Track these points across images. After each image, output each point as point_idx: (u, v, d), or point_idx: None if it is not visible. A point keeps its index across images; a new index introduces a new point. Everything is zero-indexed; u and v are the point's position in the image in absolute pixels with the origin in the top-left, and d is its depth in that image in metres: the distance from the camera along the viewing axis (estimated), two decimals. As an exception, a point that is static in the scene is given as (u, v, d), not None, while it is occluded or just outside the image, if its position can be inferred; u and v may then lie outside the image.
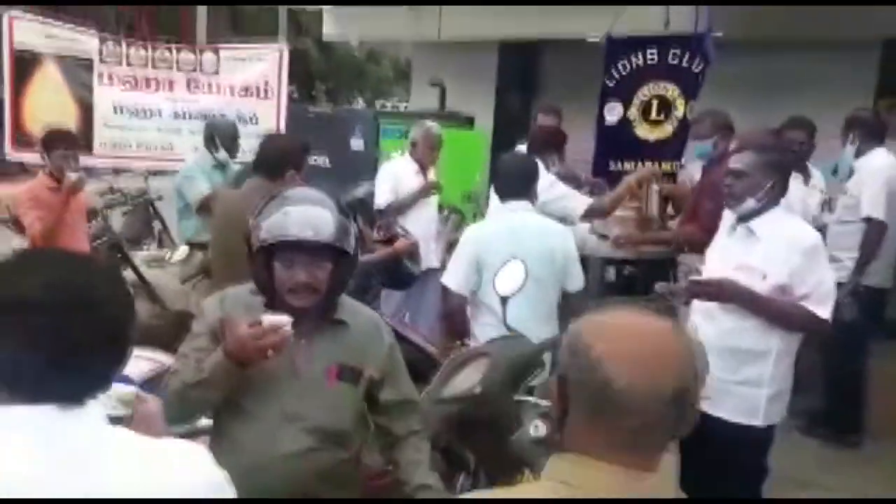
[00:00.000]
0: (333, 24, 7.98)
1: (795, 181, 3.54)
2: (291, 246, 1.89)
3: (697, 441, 1.66)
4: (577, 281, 3.23)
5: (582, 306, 3.26)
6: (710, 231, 3.31)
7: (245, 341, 1.80)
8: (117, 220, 6.12)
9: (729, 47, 5.30)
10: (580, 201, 3.91)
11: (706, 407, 2.54)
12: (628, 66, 5.51)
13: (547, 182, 3.77)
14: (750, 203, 2.73)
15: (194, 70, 5.72)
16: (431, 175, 5.03)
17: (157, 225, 6.57)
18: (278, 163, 3.28)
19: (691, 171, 4.98)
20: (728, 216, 2.91)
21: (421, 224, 4.67)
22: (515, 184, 3.29)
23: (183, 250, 4.78)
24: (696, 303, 2.86)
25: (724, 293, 2.70)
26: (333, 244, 1.91)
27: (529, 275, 2.63)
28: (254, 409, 1.93)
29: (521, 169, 3.37)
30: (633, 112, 5.51)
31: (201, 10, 11.70)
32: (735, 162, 2.79)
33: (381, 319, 2.19)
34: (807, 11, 5.29)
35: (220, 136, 4.75)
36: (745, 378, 2.70)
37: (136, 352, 1.43)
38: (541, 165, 3.63)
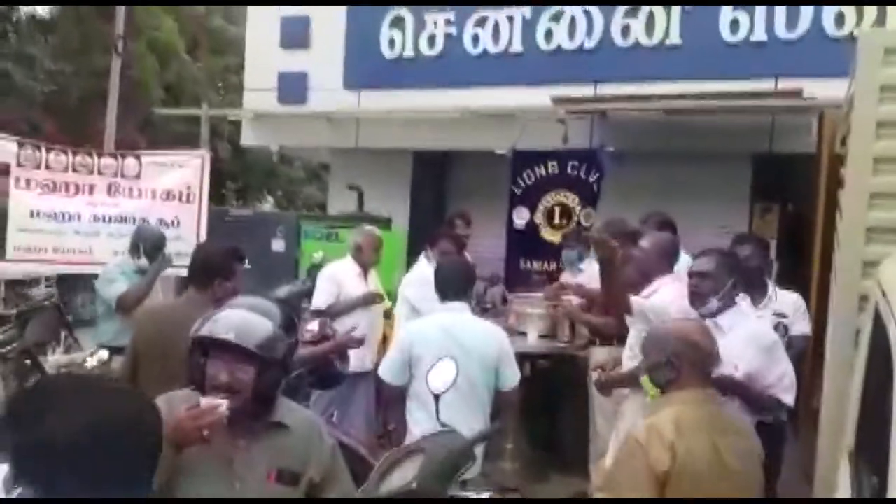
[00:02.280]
0: (252, 132, 8.22)
1: None
2: (218, 346, 2.00)
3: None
4: (510, 380, 3.35)
5: (511, 402, 3.48)
6: (622, 323, 3.83)
7: (182, 421, 1.89)
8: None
9: (633, 159, 5.88)
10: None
11: None
12: (532, 177, 6.02)
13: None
14: (713, 303, 3.08)
15: (115, 175, 5.77)
16: (372, 277, 5.18)
17: (62, 330, 6.38)
18: (206, 273, 3.34)
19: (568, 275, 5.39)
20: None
21: (358, 328, 4.78)
22: (455, 285, 3.49)
23: (102, 355, 4.69)
24: None
25: (733, 388, 2.91)
26: (254, 351, 1.97)
27: (461, 373, 2.78)
28: None
29: (461, 272, 3.60)
30: (539, 217, 5.97)
31: (111, 119, 11.78)
32: (700, 265, 3.15)
33: (321, 421, 2.28)
34: (689, 129, 5.98)
35: (144, 243, 4.79)
36: None
37: None
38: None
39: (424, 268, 4.83)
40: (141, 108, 15.20)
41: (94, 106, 13.97)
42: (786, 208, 6.57)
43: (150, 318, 3.48)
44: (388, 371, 3.39)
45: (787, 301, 3.87)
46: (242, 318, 2.03)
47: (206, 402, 1.93)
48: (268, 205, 23.89)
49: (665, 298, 3.44)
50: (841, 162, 3.31)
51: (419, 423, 3.20)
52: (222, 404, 1.92)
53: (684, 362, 2.35)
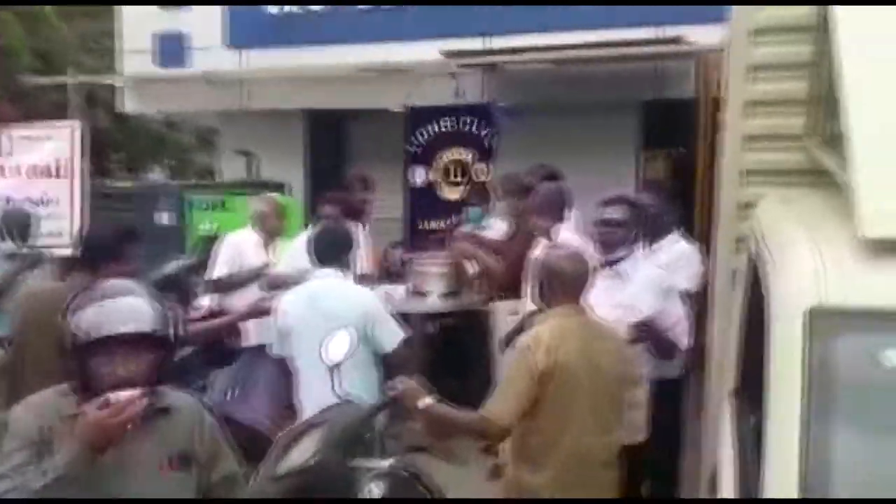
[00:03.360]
0: (131, 98, 7.73)
1: None
2: (109, 341, 1.85)
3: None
4: (389, 340, 3.29)
5: (408, 360, 3.45)
6: (513, 274, 3.91)
7: (103, 421, 1.76)
8: None
9: (525, 112, 5.87)
10: None
11: None
12: (427, 134, 5.94)
13: None
14: (621, 251, 3.11)
15: (-16, 153, 5.30)
16: (277, 247, 4.90)
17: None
18: (94, 255, 3.15)
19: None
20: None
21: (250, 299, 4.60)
22: (326, 251, 3.44)
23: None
24: None
25: (651, 333, 3.07)
26: (153, 333, 1.89)
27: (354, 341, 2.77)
28: None
29: (333, 238, 3.52)
30: (435, 175, 5.91)
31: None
32: (610, 213, 3.17)
33: (197, 400, 2.18)
34: (577, 79, 6.04)
35: (8, 226, 4.44)
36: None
37: None
38: None
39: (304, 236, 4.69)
40: (11, 78, 13.98)
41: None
42: (672, 154, 6.78)
43: (32, 303, 3.25)
44: (274, 345, 3.39)
45: (674, 251, 3.86)
46: (126, 304, 1.90)
47: (117, 396, 1.79)
48: (157, 175, 22.74)
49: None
50: (718, 106, 3.39)
51: (309, 398, 3.15)
52: (137, 394, 1.80)
53: (554, 285, 2.72)
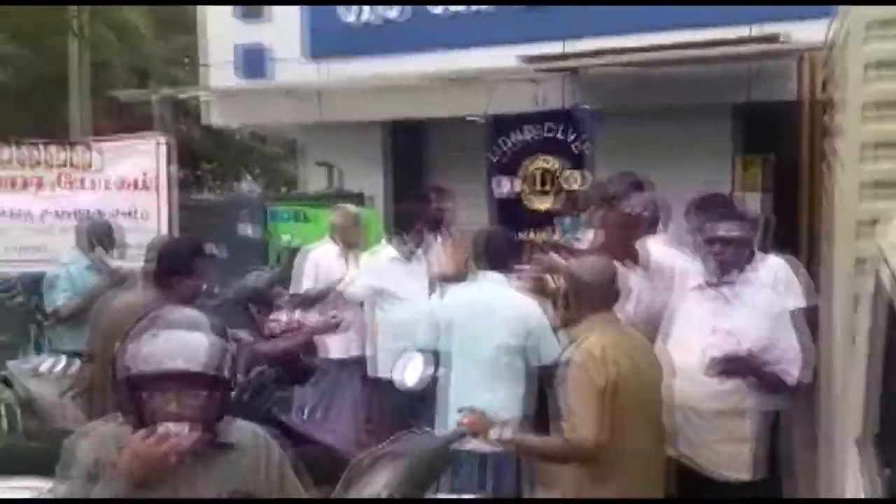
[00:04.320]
0: (216, 111, 7.88)
1: None
2: (160, 376, 1.77)
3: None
4: (548, 353, 3.24)
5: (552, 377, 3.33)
6: None
7: (146, 450, 1.69)
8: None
9: (611, 116, 5.61)
10: None
11: (696, 464, 2.76)
12: (509, 142, 5.74)
13: None
14: (734, 273, 2.86)
15: (65, 165, 5.45)
16: (355, 259, 4.91)
17: (32, 330, 6.11)
18: (165, 270, 3.17)
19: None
20: (695, 275, 3.00)
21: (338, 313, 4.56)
22: (491, 254, 3.46)
23: (60, 360, 4.46)
24: (678, 366, 2.86)
25: (747, 370, 2.80)
26: (204, 372, 1.79)
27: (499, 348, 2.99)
28: None
29: (497, 242, 3.54)
30: (521, 184, 5.71)
31: (73, 106, 11.27)
32: (729, 230, 2.88)
33: (265, 434, 2.06)
34: (664, 82, 5.73)
35: (94, 235, 4.53)
36: (727, 436, 2.77)
37: (13, 482, 1.37)
38: None
39: (388, 253, 4.60)
40: (106, 94, 14.63)
41: (54, 93, 13.40)
42: (770, 160, 6.35)
43: (107, 316, 3.29)
44: (419, 335, 3.46)
45: (771, 267, 3.45)
46: (180, 340, 1.80)
47: (167, 427, 1.71)
48: (246, 185, 23.39)
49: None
50: (823, 108, 3.08)
51: (458, 395, 3.20)
52: (185, 427, 1.72)
53: (578, 297, 2.66)
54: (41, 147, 5.52)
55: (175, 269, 3.18)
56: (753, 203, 4.23)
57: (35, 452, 3.30)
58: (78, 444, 1.88)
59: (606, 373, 2.45)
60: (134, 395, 1.80)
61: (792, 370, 2.80)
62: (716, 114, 6.26)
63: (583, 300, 2.64)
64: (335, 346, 4.58)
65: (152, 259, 3.32)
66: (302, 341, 3.65)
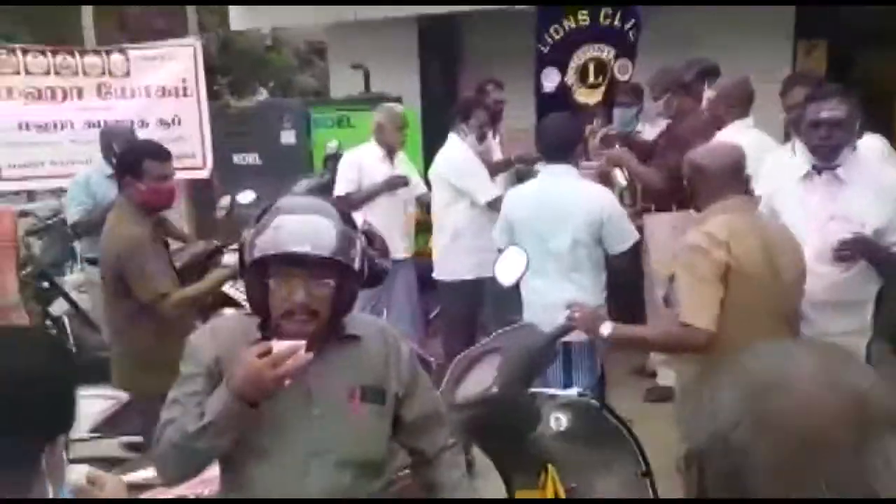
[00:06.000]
0: (241, 15, 7.55)
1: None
2: (287, 261, 1.67)
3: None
4: (620, 240, 3.22)
5: (619, 265, 3.32)
6: (672, 182, 3.51)
7: (259, 372, 1.58)
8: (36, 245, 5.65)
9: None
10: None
11: None
12: (560, 31, 5.41)
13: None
14: (846, 152, 2.68)
15: (103, 74, 5.26)
16: (399, 159, 4.82)
17: (77, 246, 6.10)
18: (117, 171, 3.19)
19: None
20: (800, 163, 2.83)
21: (383, 215, 4.47)
22: (554, 146, 3.32)
23: (90, 270, 4.47)
24: None
25: (869, 251, 2.66)
26: (335, 258, 1.68)
27: (560, 239, 2.96)
28: (271, 446, 1.72)
29: (560, 131, 3.36)
30: (571, 77, 5.42)
31: (86, 14, 10.88)
32: (830, 111, 2.67)
33: (393, 328, 1.99)
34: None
35: (116, 141, 4.40)
36: (847, 328, 2.60)
37: (84, 391, 1.38)
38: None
39: (457, 144, 4.43)
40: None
41: (64, 8, 12.96)
42: (833, 45, 6.00)
43: (105, 247, 3.23)
44: (496, 236, 3.43)
45: (872, 148, 3.28)
46: (308, 223, 1.68)
47: (279, 345, 1.61)
48: (262, 97, 23.00)
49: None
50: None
51: (535, 293, 3.20)
52: (301, 346, 1.60)
53: (698, 184, 2.50)
54: (77, 55, 5.32)
55: (124, 170, 3.09)
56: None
57: (103, 362, 3.32)
58: (199, 339, 1.82)
59: (725, 255, 2.29)
60: (261, 283, 1.71)
61: None
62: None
63: (707, 186, 2.46)
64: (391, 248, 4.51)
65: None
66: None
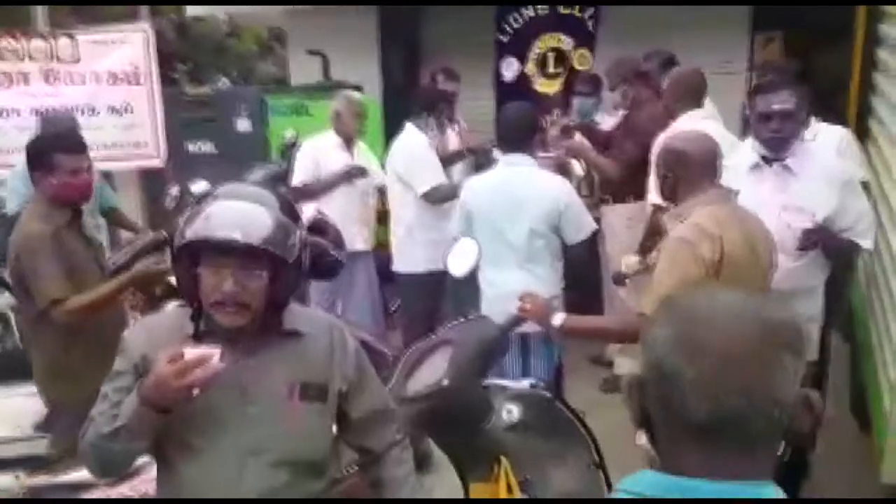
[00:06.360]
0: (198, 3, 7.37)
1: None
2: (216, 249, 1.60)
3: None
4: (577, 231, 3.21)
5: (577, 255, 3.30)
6: (629, 173, 3.64)
7: (164, 380, 1.52)
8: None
9: None
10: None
11: None
12: (519, 19, 5.40)
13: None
14: (796, 144, 2.69)
15: (51, 59, 5.09)
16: (359, 149, 4.75)
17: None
18: (29, 166, 2.92)
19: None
20: (748, 154, 2.84)
21: (341, 206, 4.41)
22: (512, 135, 3.30)
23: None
24: None
25: (826, 240, 2.70)
26: (266, 248, 1.60)
27: (516, 230, 2.91)
28: (205, 445, 1.66)
29: (518, 120, 3.33)
30: (530, 67, 5.42)
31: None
32: (781, 103, 2.67)
33: (340, 323, 1.94)
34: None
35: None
36: (800, 314, 2.59)
37: (25, 388, 1.32)
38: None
39: (412, 134, 4.38)
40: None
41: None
42: (790, 37, 6.07)
43: (14, 241, 2.97)
44: (454, 226, 3.41)
45: (830, 137, 3.31)
46: (241, 210, 1.61)
47: (191, 353, 1.53)
48: (223, 85, 22.53)
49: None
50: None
51: (492, 284, 3.22)
52: (214, 355, 1.53)
53: (679, 173, 2.44)
54: (21, 39, 5.13)
55: (35, 164, 2.88)
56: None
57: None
58: (131, 335, 1.77)
59: (713, 249, 2.28)
60: (191, 272, 1.65)
61: (864, 240, 2.72)
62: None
63: (689, 175, 2.41)
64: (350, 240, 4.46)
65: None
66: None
